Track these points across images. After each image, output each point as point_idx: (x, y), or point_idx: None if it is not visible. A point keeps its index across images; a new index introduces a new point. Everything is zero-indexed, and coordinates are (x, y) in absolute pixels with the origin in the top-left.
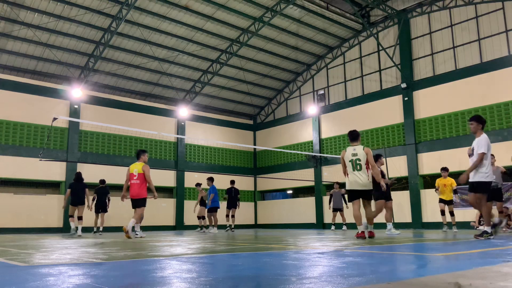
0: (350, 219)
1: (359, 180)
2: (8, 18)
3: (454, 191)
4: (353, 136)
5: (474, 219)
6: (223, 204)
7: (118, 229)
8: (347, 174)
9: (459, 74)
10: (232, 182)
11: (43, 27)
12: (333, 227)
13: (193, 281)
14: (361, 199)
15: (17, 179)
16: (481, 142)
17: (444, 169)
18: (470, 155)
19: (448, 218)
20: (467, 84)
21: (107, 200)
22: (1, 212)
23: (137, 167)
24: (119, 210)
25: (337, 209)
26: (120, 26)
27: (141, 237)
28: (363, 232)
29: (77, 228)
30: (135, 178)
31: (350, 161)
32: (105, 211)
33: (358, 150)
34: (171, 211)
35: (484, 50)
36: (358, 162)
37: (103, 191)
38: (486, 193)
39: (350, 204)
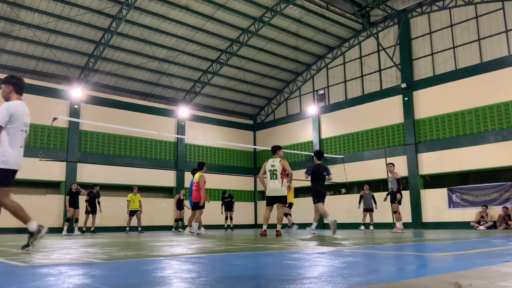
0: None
1: (276, 186)
2: (8, 18)
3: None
4: (273, 150)
5: (474, 219)
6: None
7: (117, 229)
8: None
9: (459, 74)
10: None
11: (43, 27)
12: (362, 227)
13: (193, 281)
14: (277, 203)
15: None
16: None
17: None
18: None
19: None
20: (467, 84)
21: (96, 203)
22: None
23: (194, 178)
24: (118, 211)
25: (368, 210)
26: (120, 26)
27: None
28: (278, 230)
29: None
30: (194, 185)
31: (269, 171)
32: (95, 212)
33: (275, 163)
34: (171, 211)
35: (484, 50)
36: (274, 172)
37: (96, 194)
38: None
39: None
